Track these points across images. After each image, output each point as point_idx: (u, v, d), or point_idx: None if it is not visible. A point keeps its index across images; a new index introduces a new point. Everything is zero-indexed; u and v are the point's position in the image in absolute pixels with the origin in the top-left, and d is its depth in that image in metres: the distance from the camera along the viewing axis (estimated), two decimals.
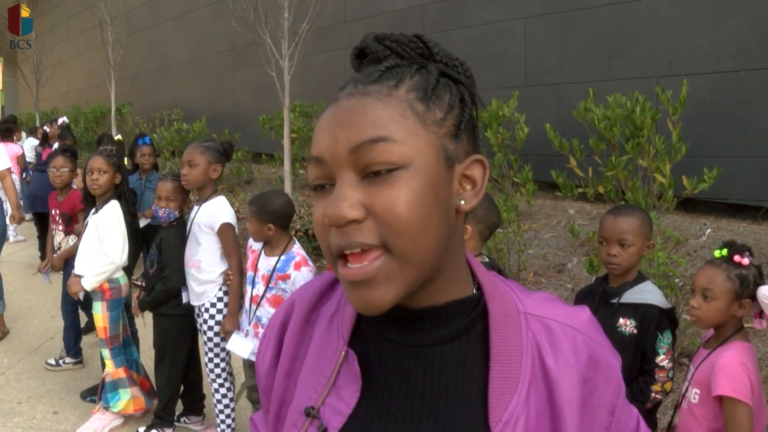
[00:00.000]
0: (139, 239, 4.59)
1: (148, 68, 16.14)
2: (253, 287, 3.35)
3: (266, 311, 3.28)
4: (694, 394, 2.29)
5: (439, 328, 0.84)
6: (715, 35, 5.97)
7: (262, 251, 3.36)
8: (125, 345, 4.12)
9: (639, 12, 6.52)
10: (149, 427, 3.93)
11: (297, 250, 3.33)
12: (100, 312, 3.95)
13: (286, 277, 3.24)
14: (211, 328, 3.62)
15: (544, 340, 0.83)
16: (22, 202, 9.70)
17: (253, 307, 3.34)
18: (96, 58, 16.09)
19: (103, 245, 3.88)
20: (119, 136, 4.61)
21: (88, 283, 3.88)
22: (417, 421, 0.81)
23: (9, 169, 5.85)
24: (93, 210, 4.00)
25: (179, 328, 3.80)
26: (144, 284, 3.93)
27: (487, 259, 2.62)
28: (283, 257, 3.28)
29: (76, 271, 3.99)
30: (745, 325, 2.36)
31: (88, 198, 4.09)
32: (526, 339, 0.83)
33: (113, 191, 3.99)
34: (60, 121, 9.50)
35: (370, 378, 0.84)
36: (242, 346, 3.36)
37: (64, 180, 4.93)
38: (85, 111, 16.20)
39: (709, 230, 5.54)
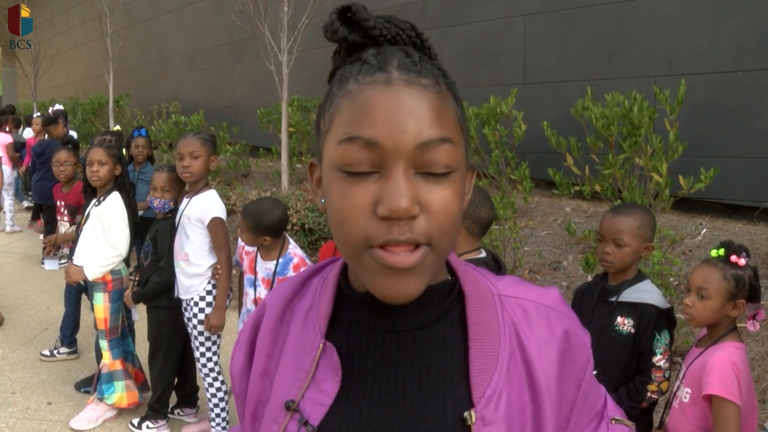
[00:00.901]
0: (139, 231, 4.60)
1: (147, 60, 16.10)
2: (255, 290, 3.33)
3: None
4: (685, 393, 2.29)
5: (418, 313, 0.85)
6: (714, 36, 5.97)
7: (258, 255, 3.35)
8: (122, 336, 4.13)
9: (638, 11, 6.52)
10: (143, 419, 3.93)
11: (293, 250, 3.32)
12: (101, 303, 3.96)
13: (285, 279, 3.22)
14: (201, 321, 3.62)
15: (520, 319, 0.86)
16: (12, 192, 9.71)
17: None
18: (95, 49, 16.02)
19: (109, 238, 3.89)
20: (118, 127, 4.61)
21: (92, 273, 3.88)
22: (400, 405, 0.82)
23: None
24: (94, 201, 4.00)
25: (174, 320, 3.80)
26: (138, 276, 3.93)
27: (483, 254, 2.60)
28: (280, 260, 3.27)
29: (77, 261, 3.98)
30: (738, 326, 2.37)
31: (88, 189, 4.09)
32: (502, 319, 0.85)
33: (114, 183, 3.99)
34: (50, 109, 9.50)
35: (351, 367, 0.85)
36: None
37: (68, 174, 4.95)
38: (83, 102, 16.17)
39: (704, 230, 5.55)
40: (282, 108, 8.03)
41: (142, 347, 4.34)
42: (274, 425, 0.86)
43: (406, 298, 0.76)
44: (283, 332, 0.92)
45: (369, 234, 0.74)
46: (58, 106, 9.42)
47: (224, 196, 7.23)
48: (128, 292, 3.91)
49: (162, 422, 3.94)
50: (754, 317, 2.31)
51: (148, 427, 3.91)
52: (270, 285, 3.26)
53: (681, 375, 2.37)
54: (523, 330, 0.85)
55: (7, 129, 10.46)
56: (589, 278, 4.18)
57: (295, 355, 0.89)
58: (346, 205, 0.74)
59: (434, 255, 0.76)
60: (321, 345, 0.86)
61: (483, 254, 2.59)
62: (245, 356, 0.96)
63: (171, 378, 3.95)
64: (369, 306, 0.85)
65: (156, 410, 3.92)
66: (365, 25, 0.78)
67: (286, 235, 3.42)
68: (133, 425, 3.94)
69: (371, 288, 0.78)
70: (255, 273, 3.33)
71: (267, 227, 3.20)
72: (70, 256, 4.70)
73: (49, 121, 8.33)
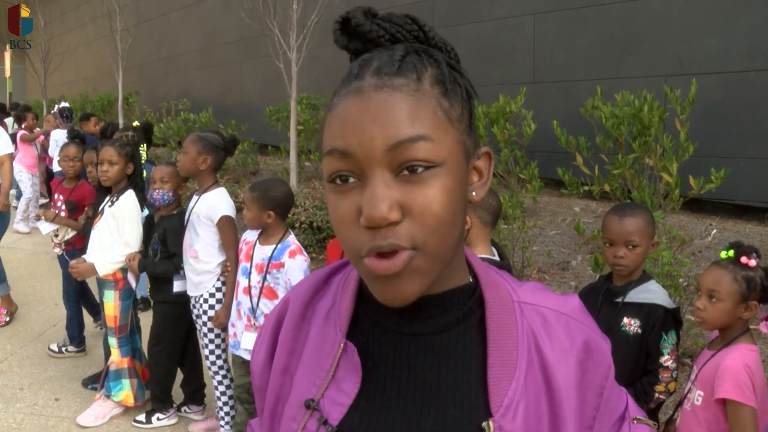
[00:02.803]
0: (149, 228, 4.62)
1: (156, 58, 16.15)
2: (247, 278, 3.33)
3: (262, 303, 3.28)
4: (697, 396, 2.27)
5: (438, 316, 0.84)
6: (725, 35, 5.93)
7: (257, 241, 3.35)
8: (131, 334, 4.14)
9: (649, 10, 6.49)
10: (151, 412, 3.96)
11: (293, 239, 3.33)
12: (112, 301, 3.97)
13: (280, 266, 3.22)
14: (211, 318, 3.63)
15: (539, 328, 0.85)
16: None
17: (245, 298, 3.33)
18: (104, 46, 16.10)
19: (123, 235, 3.90)
20: (137, 123, 4.60)
21: (103, 269, 3.90)
22: (418, 408, 0.82)
23: (11, 155, 5.83)
24: (108, 199, 4.01)
25: (178, 315, 3.87)
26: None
27: (496, 255, 2.58)
28: (279, 246, 3.27)
29: (89, 258, 3.99)
30: (751, 327, 2.35)
31: (102, 186, 4.11)
32: (521, 326, 0.84)
33: (128, 181, 4.00)
34: (56, 107, 9.56)
35: (370, 368, 0.85)
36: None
37: (77, 170, 4.95)
38: (93, 99, 16.23)
39: (714, 231, 5.52)
40: (291, 106, 8.03)
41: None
42: (293, 423, 0.86)
43: (401, 301, 0.76)
44: (304, 330, 0.93)
45: (357, 244, 0.75)
46: (64, 104, 9.46)
47: (233, 194, 7.22)
48: (136, 261, 3.88)
49: (171, 411, 4.01)
50: (766, 319, 2.29)
51: (158, 418, 3.95)
52: (262, 270, 3.26)
53: (693, 377, 2.35)
54: (542, 338, 0.84)
55: (23, 126, 10.47)
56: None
57: (316, 353, 0.89)
58: (337, 217, 0.77)
59: (423, 257, 0.74)
60: (342, 344, 0.86)
61: (495, 256, 2.57)
62: (267, 351, 0.96)
63: (173, 369, 4.02)
64: (388, 308, 0.83)
65: (163, 401, 3.97)
66: (360, 30, 0.79)
67: (289, 228, 3.43)
68: (140, 422, 3.95)
69: (373, 294, 0.78)
70: (251, 260, 3.33)
71: (272, 199, 3.21)
72: (70, 255, 4.73)
73: (82, 118, 8.61)
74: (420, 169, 0.73)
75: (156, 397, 3.98)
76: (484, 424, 0.78)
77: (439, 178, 0.74)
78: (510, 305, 0.86)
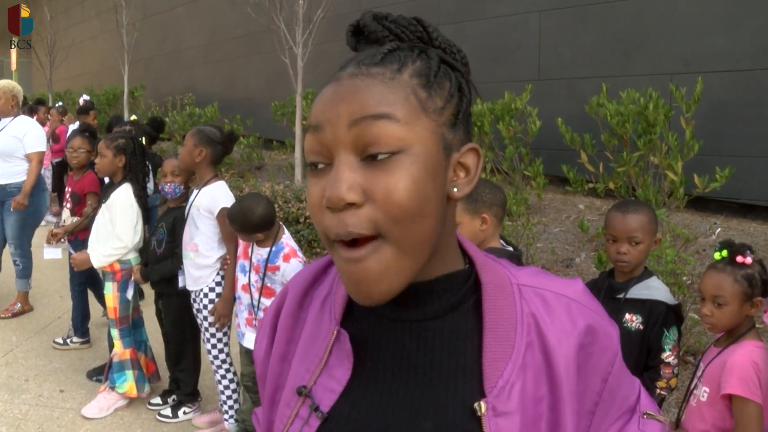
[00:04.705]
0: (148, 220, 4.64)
1: (162, 52, 16.15)
2: (245, 276, 3.36)
3: (262, 300, 3.31)
4: (703, 392, 2.28)
5: (432, 302, 0.84)
6: (731, 34, 5.93)
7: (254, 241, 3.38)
8: (135, 326, 4.16)
9: (655, 8, 6.48)
10: (177, 406, 3.99)
11: (286, 240, 3.32)
12: (111, 292, 3.99)
13: (275, 269, 3.24)
14: (212, 313, 3.64)
15: (540, 309, 0.84)
16: None
17: (245, 295, 3.36)
18: (110, 41, 16.10)
19: (115, 229, 3.91)
20: (134, 117, 4.61)
21: (97, 261, 3.93)
22: (410, 394, 0.82)
23: (41, 153, 5.82)
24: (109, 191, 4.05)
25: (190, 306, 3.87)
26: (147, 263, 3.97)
27: (510, 248, 2.61)
28: (273, 248, 3.27)
29: (88, 249, 4.03)
30: (757, 327, 2.35)
31: (110, 180, 4.16)
32: (520, 308, 0.84)
33: (125, 173, 4.01)
34: (81, 99, 9.55)
35: (363, 355, 0.85)
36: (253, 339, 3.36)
37: (80, 161, 4.96)
38: (98, 93, 16.25)
39: (719, 229, 5.52)
40: (296, 101, 8.04)
41: (153, 338, 4.36)
42: (287, 409, 0.87)
43: (370, 301, 0.76)
44: (302, 318, 0.93)
45: (324, 228, 0.76)
46: (86, 97, 9.50)
47: (237, 188, 7.27)
48: (138, 274, 3.92)
49: (196, 404, 4.05)
50: None
51: (185, 412, 3.99)
52: (259, 271, 3.28)
53: (699, 373, 2.36)
54: (544, 320, 0.83)
55: (35, 119, 10.49)
56: None
57: (311, 340, 0.89)
58: (310, 201, 0.78)
59: (390, 248, 0.74)
60: (335, 332, 0.86)
61: (510, 249, 2.60)
62: (268, 340, 0.97)
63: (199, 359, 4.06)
64: None
65: (192, 394, 4.02)
66: (366, 30, 0.82)
67: (281, 224, 3.43)
68: (166, 416, 3.96)
69: (345, 286, 0.78)
70: (249, 258, 3.35)
71: (254, 226, 3.19)
72: (74, 245, 4.76)
73: (80, 111, 8.65)
74: (384, 155, 0.73)
75: (184, 390, 4.01)
76: (476, 404, 0.78)
77: (405, 166, 0.73)
78: (508, 287, 0.85)
